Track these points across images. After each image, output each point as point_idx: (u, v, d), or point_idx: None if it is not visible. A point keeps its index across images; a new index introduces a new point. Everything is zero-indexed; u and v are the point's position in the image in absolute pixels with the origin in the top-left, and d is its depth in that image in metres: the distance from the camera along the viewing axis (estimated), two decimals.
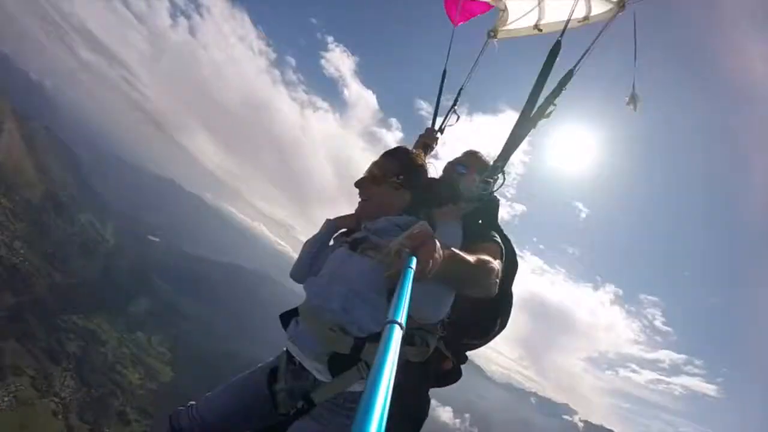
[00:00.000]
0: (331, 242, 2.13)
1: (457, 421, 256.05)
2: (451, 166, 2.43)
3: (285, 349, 1.94)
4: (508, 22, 3.37)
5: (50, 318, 71.60)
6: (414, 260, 1.43)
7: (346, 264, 1.87)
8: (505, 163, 2.40)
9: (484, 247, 1.97)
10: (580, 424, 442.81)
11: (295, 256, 2.19)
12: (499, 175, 2.38)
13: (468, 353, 2.42)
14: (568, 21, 2.63)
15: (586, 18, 2.97)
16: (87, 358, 73.09)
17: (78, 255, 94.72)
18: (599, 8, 2.95)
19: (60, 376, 65.43)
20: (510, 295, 2.30)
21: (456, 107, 3.04)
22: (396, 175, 2.03)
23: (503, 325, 2.36)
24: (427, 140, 2.95)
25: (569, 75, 2.47)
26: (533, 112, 2.47)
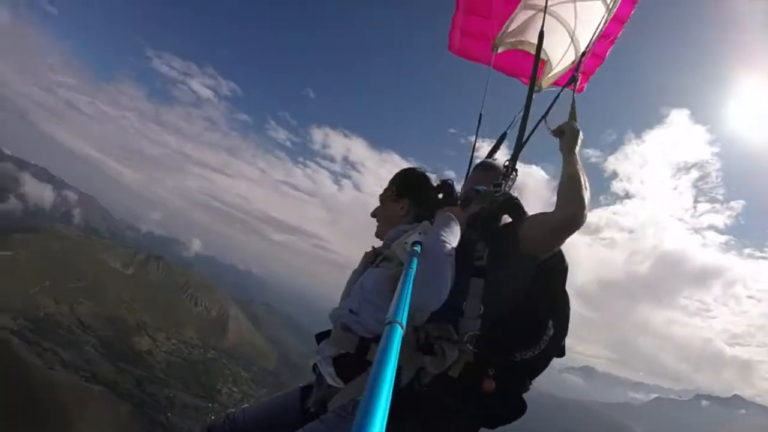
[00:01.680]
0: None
1: None
2: (470, 189, 2.38)
3: (314, 363, 2.06)
4: (552, 72, 3.43)
5: None
6: (415, 260, 1.47)
7: (364, 278, 2.00)
8: (515, 162, 2.42)
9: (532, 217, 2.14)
10: None
11: None
12: (512, 174, 2.40)
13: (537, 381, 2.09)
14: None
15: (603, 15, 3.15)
16: None
17: None
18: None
19: None
20: (564, 294, 2.11)
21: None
22: (391, 189, 2.26)
23: (561, 329, 2.05)
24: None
25: (579, 61, 2.75)
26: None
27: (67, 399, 51.45)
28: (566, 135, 2.23)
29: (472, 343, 1.89)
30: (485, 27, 3.64)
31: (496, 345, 1.92)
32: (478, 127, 3.30)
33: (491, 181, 2.34)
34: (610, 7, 3.12)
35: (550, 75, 3.40)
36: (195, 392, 76.33)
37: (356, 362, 1.78)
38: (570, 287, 2.14)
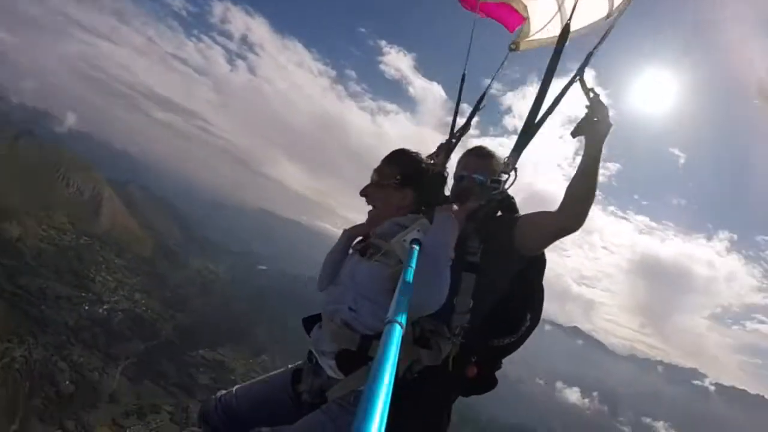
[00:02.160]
0: (350, 251, 2.17)
1: (586, 400, 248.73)
2: (469, 177, 2.29)
3: (308, 350, 2.05)
4: (530, 34, 3.24)
5: (179, 356, 76.40)
6: (415, 259, 1.47)
7: (355, 269, 1.98)
8: (516, 160, 2.25)
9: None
10: (711, 388, 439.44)
11: None
12: (511, 173, 2.25)
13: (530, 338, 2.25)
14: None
15: (608, 15, 2.77)
16: (219, 386, 73.72)
17: (196, 295, 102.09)
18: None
19: (197, 407, 68.62)
20: (540, 288, 2.23)
21: (479, 111, 2.88)
22: (395, 176, 2.08)
23: (535, 320, 2.20)
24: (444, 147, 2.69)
25: (589, 56, 2.34)
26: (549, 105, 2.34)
27: None
28: (600, 121, 1.95)
29: (461, 336, 1.99)
30: None
31: (480, 335, 2.05)
32: (461, 89, 2.98)
33: (489, 170, 2.27)
34: (613, 12, 2.75)
35: (529, 38, 3.22)
36: (68, 282, 74.96)
37: (357, 357, 1.82)
38: None
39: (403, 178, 2.09)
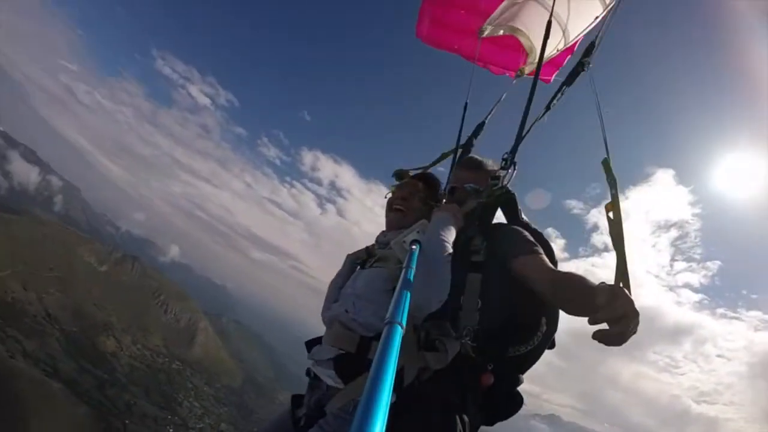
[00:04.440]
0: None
1: None
2: (460, 189, 2.27)
3: (308, 367, 1.99)
4: (536, 60, 3.33)
5: None
6: (415, 259, 1.44)
7: (355, 280, 1.99)
8: (514, 155, 2.26)
9: (535, 260, 1.87)
10: None
11: None
12: (510, 169, 2.24)
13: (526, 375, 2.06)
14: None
15: (600, 15, 3.06)
16: None
17: None
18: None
19: None
20: None
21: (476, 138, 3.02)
22: (432, 198, 2.29)
23: (551, 326, 2.01)
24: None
25: (590, 48, 2.51)
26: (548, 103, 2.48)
27: (24, 392, 49.51)
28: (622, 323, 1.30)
29: (470, 338, 1.86)
30: (457, 16, 3.64)
31: (493, 339, 1.88)
32: (463, 116, 3.13)
33: (480, 182, 2.24)
34: (608, 5, 2.98)
35: (536, 61, 3.34)
36: (155, 401, 73.78)
37: (357, 362, 1.74)
38: None
39: (431, 196, 2.31)
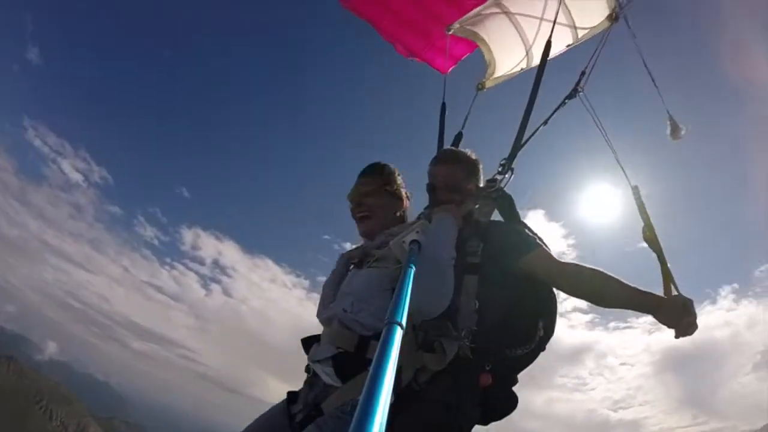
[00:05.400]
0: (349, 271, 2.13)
1: None
2: (442, 186, 2.19)
3: (306, 364, 1.94)
4: (495, 74, 3.47)
5: None
6: (415, 260, 1.41)
7: (353, 279, 1.97)
8: (512, 161, 2.29)
9: (539, 255, 1.95)
10: None
11: None
12: (508, 173, 2.27)
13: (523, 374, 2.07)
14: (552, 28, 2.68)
15: (572, 44, 3.10)
16: None
17: None
18: (586, 23, 3.01)
19: None
20: (551, 294, 2.08)
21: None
22: (387, 184, 2.12)
23: (549, 330, 2.05)
24: None
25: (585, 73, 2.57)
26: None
27: None
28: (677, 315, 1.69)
29: (469, 339, 1.88)
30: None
31: (491, 341, 1.91)
32: (442, 118, 3.06)
33: (457, 175, 2.19)
34: (580, 38, 3.08)
35: (495, 77, 3.48)
36: None
37: (355, 361, 1.69)
38: None
39: (394, 187, 2.14)
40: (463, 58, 3.69)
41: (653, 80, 2.74)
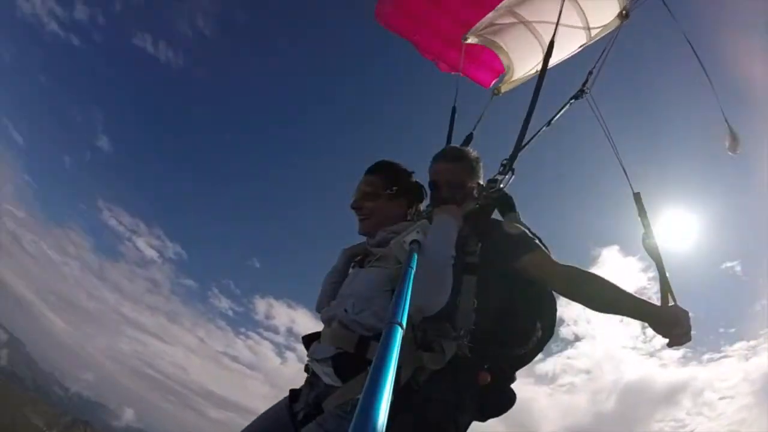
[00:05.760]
0: (351, 269, 2.15)
1: None
2: (443, 183, 2.20)
3: (306, 363, 1.95)
4: (512, 79, 3.55)
5: None
6: (415, 259, 1.41)
7: (354, 280, 1.94)
8: (513, 161, 2.34)
9: (538, 255, 1.95)
10: None
11: None
12: (509, 173, 2.31)
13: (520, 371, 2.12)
14: (557, 24, 2.69)
15: (585, 44, 3.16)
16: None
17: None
18: (598, 22, 3.05)
19: None
20: (550, 296, 2.11)
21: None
22: (388, 186, 2.07)
23: (548, 330, 2.12)
24: None
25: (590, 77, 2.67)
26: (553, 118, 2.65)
27: None
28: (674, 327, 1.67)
29: (467, 338, 1.86)
30: (425, 8, 3.55)
31: (490, 340, 1.91)
32: (452, 121, 3.13)
33: (462, 173, 2.16)
34: (593, 37, 3.12)
35: (511, 80, 3.56)
36: None
37: (355, 361, 1.67)
38: None
39: (397, 188, 2.09)
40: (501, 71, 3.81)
41: (711, 84, 2.69)
